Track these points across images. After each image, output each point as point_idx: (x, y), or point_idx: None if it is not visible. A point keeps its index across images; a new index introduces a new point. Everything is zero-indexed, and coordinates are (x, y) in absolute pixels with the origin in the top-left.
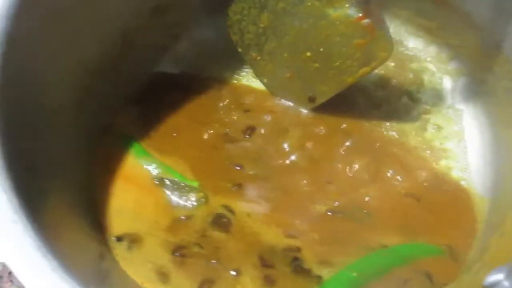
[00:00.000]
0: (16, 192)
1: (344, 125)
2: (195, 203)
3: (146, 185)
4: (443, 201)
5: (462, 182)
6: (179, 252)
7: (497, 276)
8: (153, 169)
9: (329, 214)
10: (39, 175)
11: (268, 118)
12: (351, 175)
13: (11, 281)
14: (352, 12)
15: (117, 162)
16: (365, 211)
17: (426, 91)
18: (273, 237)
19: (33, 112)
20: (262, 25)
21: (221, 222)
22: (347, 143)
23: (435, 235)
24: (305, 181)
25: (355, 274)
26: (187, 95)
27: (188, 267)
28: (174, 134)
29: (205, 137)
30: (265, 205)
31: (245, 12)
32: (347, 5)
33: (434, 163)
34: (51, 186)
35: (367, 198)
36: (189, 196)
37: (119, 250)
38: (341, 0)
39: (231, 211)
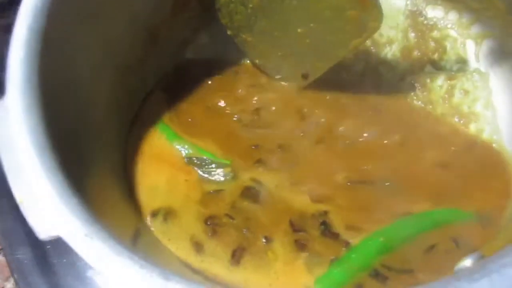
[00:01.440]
0: (60, 172)
1: (370, 98)
2: (222, 178)
3: (178, 163)
4: (473, 165)
5: (494, 145)
6: (211, 221)
7: None
8: (184, 150)
9: (348, 185)
10: (79, 157)
11: (282, 95)
12: (375, 146)
13: None
14: None
15: (149, 145)
16: (387, 183)
17: (450, 57)
18: (302, 203)
19: (70, 104)
20: (251, 5)
21: (250, 193)
22: (373, 116)
23: (464, 201)
24: (324, 155)
25: (382, 239)
26: (208, 80)
27: (220, 236)
28: (191, 118)
29: (225, 121)
30: (288, 175)
31: None
32: None
33: (464, 127)
34: (90, 167)
35: (389, 170)
36: (217, 172)
37: (156, 224)
38: None
39: (259, 182)
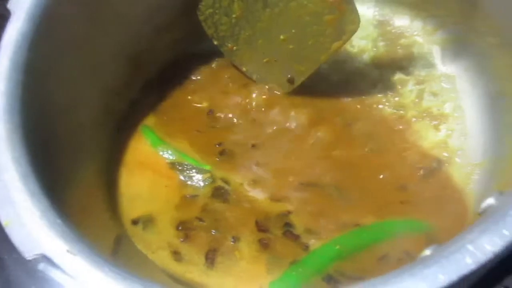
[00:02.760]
0: (44, 196)
1: (344, 107)
2: (202, 183)
3: (160, 169)
4: (432, 189)
5: (459, 152)
6: (182, 226)
7: (489, 201)
8: (167, 155)
9: (301, 186)
10: (62, 177)
11: (259, 96)
12: (338, 156)
13: None
14: None
15: (134, 152)
16: (334, 188)
17: (418, 63)
18: (263, 203)
19: (53, 129)
20: (234, 16)
21: (220, 193)
22: (342, 127)
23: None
24: (286, 158)
25: (338, 247)
26: (189, 82)
27: (192, 240)
28: (171, 120)
29: (198, 121)
30: (251, 174)
31: (216, 5)
32: None
33: (435, 129)
34: (74, 185)
35: (342, 180)
36: (196, 177)
37: (136, 233)
38: None
39: (227, 182)
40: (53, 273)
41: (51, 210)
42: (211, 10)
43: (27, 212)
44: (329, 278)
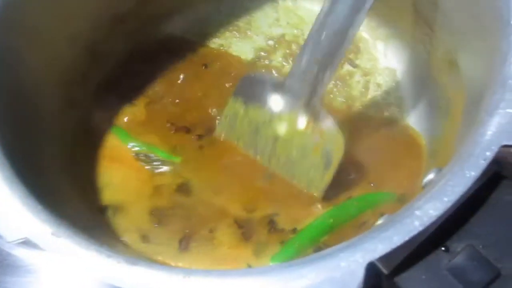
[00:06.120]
0: (21, 183)
1: None
2: (167, 171)
3: (129, 162)
4: (389, 147)
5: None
6: (155, 212)
7: (429, 176)
8: (135, 148)
9: (268, 179)
10: (34, 165)
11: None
12: None
13: None
14: (300, 122)
15: (101, 145)
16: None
17: (363, 56)
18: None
19: (22, 116)
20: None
21: (183, 189)
22: None
23: (384, 183)
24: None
25: (331, 220)
26: (153, 80)
27: (165, 227)
28: (139, 117)
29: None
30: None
31: None
32: (294, 119)
33: (380, 115)
34: (46, 173)
35: None
36: (162, 167)
37: (106, 220)
38: (288, 115)
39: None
40: None
41: (31, 197)
42: None
43: (7, 199)
44: (318, 250)
